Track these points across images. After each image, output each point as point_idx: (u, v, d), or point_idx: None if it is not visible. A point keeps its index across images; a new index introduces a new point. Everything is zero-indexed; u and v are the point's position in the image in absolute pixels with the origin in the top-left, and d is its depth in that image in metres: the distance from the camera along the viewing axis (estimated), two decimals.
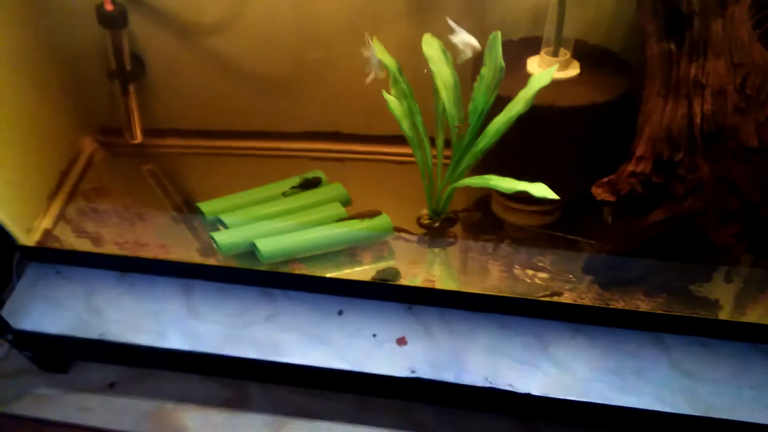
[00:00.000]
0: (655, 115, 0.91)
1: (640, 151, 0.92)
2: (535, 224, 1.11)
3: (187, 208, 1.14)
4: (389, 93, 0.98)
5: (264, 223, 1.05)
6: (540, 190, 0.90)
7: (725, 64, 0.87)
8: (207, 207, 1.10)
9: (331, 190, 1.12)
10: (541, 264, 1.05)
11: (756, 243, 0.96)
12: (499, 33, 0.91)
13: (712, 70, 0.87)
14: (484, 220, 1.13)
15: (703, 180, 0.90)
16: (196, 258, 1.05)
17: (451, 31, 0.92)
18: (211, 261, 1.05)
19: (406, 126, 1.00)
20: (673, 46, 0.89)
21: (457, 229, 1.10)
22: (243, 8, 1.12)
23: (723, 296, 1.01)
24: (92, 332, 0.99)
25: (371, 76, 0.96)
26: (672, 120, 0.90)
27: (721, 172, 0.90)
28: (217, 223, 1.08)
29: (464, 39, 0.92)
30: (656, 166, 0.91)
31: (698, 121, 0.88)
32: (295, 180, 1.13)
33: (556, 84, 0.98)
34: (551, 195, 0.89)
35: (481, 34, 0.93)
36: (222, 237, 1.03)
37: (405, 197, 1.14)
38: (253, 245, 1.02)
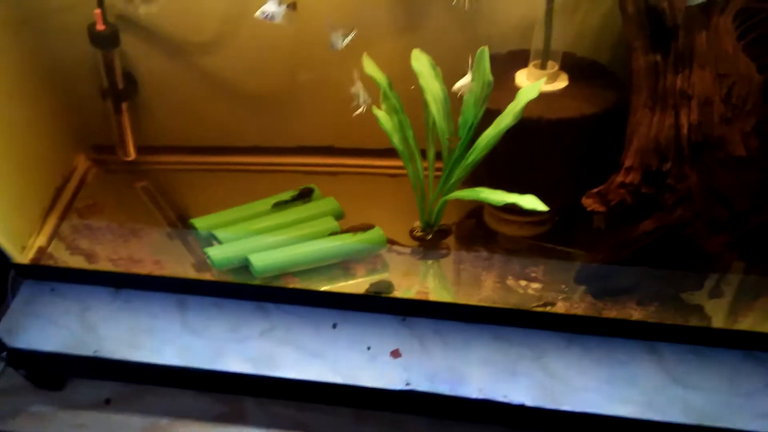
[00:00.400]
0: (643, 126, 0.92)
1: (628, 162, 0.93)
2: (528, 235, 1.12)
3: (180, 223, 1.15)
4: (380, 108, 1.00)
5: (257, 238, 1.06)
6: (530, 202, 0.90)
7: (711, 74, 0.88)
8: (200, 223, 1.10)
9: (324, 204, 1.13)
10: (533, 274, 1.06)
11: (746, 251, 0.97)
12: (487, 48, 0.92)
13: (698, 81, 0.88)
14: (477, 231, 1.14)
15: (691, 190, 0.91)
16: (190, 273, 1.06)
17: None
18: (206, 276, 1.05)
19: (396, 140, 1.01)
20: (658, 58, 0.90)
21: (450, 240, 1.11)
22: (235, 26, 1.13)
23: (714, 304, 1.02)
24: (87, 349, 0.99)
25: (360, 111, 0.97)
26: (659, 131, 0.91)
27: (710, 181, 0.90)
28: (211, 239, 1.09)
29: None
30: (645, 177, 0.92)
31: (685, 131, 0.89)
32: (288, 194, 1.14)
33: (544, 96, 0.99)
34: (541, 207, 0.90)
35: (469, 49, 0.94)
36: (215, 252, 1.04)
37: (398, 210, 1.15)
38: (247, 260, 1.03)
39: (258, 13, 0.89)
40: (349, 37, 0.92)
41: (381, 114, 0.98)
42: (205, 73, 1.19)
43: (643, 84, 0.91)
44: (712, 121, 0.88)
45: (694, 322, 0.99)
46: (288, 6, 0.91)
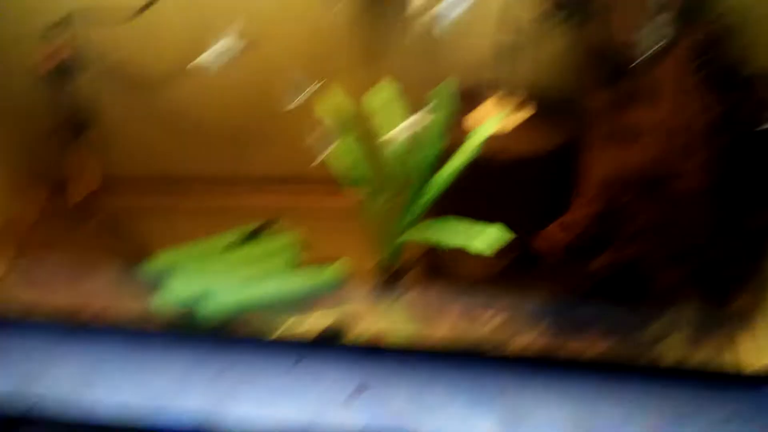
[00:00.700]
0: (599, 160, 0.93)
1: (587, 195, 0.94)
2: (489, 270, 1.12)
3: (135, 262, 1.12)
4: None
5: (214, 275, 1.04)
6: (486, 240, 0.90)
7: (665, 109, 0.90)
8: (156, 261, 1.08)
9: (286, 239, 1.11)
10: (495, 310, 1.05)
11: (704, 283, 0.98)
12: (448, 83, 0.92)
13: (653, 115, 0.90)
14: (439, 266, 1.13)
15: (647, 225, 0.92)
16: (142, 314, 1.03)
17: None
18: (159, 316, 1.02)
19: (355, 176, 1.00)
20: (614, 93, 0.91)
21: (411, 276, 1.10)
22: (194, 58, 1.12)
23: (674, 336, 1.02)
24: (27, 400, 0.95)
25: (320, 158, 0.97)
26: (617, 165, 0.92)
27: (666, 216, 0.91)
28: (165, 278, 1.06)
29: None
30: (604, 211, 0.93)
31: (641, 166, 0.90)
32: (246, 230, 1.12)
33: (505, 131, 1.00)
34: (497, 243, 0.90)
35: (430, 83, 0.94)
36: (171, 291, 1.01)
37: (359, 247, 1.14)
38: (203, 298, 1.00)
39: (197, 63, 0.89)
40: (308, 92, 0.92)
41: (338, 149, 0.97)
42: (164, 107, 1.17)
43: (602, 118, 0.93)
44: (666, 156, 0.90)
45: (653, 355, 0.99)
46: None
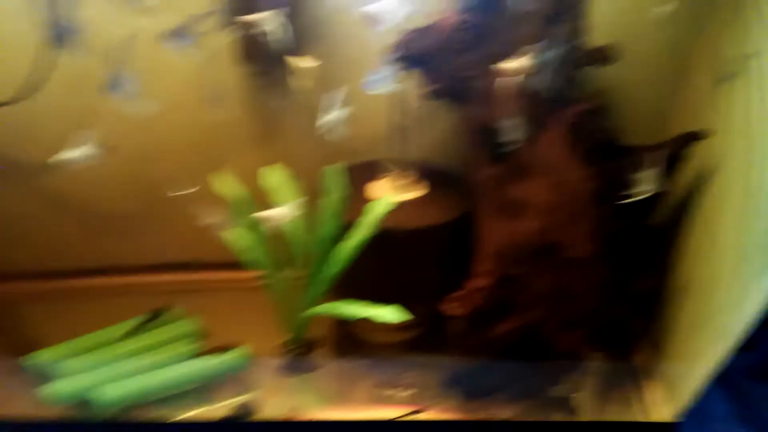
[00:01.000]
0: (492, 233, 0.95)
1: (482, 267, 0.96)
2: (398, 341, 1.11)
3: (22, 356, 1.05)
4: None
5: (106, 368, 0.99)
6: (388, 314, 0.90)
7: (549, 182, 0.93)
8: (44, 354, 1.02)
9: (182, 326, 1.07)
10: (404, 381, 1.05)
11: (606, 341, 1.01)
12: (341, 163, 0.94)
13: (538, 189, 0.93)
14: (348, 340, 1.12)
15: (543, 291, 0.95)
16: (29, 411, 0.96)
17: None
18: (48, 413, 0.96)
19: (253, 257, 0.98)
20: (500, 169, 0.94)
21: (320, 352, 1.08)
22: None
23: (583, 393, 1.04)
24: None
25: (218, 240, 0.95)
26: (506, 237, 0.94)
27: (558, 283, 0.94)
28: (55, 372, 1.00)
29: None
30: (499, 281, 0.95)
31: (530, 237, 0.93)
32: (140, 318, 1.08)
33: (402, 206, 1.01)
34: (400, 318, 0.90)
35: (323, 161, 0.95)
36: (59, 386, 0.96)
37: (265, 324, 1.11)
38: (95, 392, 0.95)
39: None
40: (187, 191, 0.91)
41: (233, 233, 0.96)
42: (48, 194, 1.13)
43: (490, 193, 0.95)
44: (553, 226, 0.93)
45: (559, 416, 1.00)
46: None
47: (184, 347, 1.03)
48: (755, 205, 0.83)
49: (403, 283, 1.05)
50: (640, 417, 1.00)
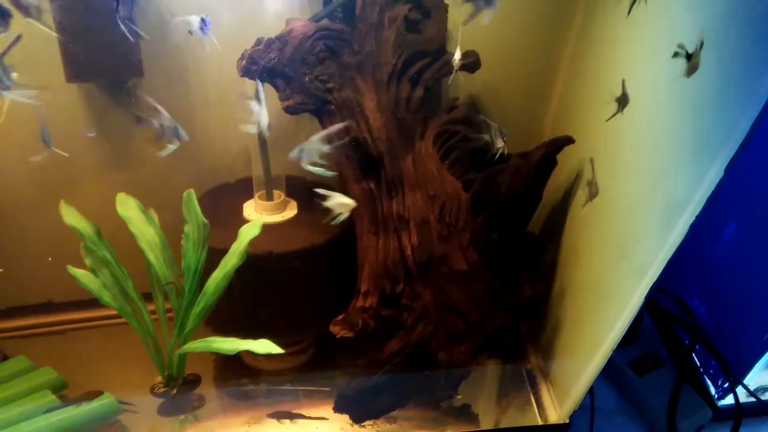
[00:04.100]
0: (371, 251, 0.91)
1: (364, 286, 0.91)
2: (288, 367, 1.06)
3: None
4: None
5: None
6: (263, 347, 0.84)
7: (422, 197, 0.90)
8: None
9: (37, 375, 0.96)
10: (294, 411, 1.00)
11: (496, 350, 0.99)
12: (192, 191, 0.86)
13: (412, 203, 0.90)
14: (234, 371, 1.05)
15: (427, 306, 0.91)
16: None
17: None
18: None
19: (108, 298, 0.89)
20: (372, 185, 0.90)
21: (202, 388, 1.01)
22: None
23: (475, 406, 1.03)
24: None
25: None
26: (386, 254, 0.90)
27: (442, 296, 0.91)
28: None
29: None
30: (382, 299, 0.91)
31: (409, 252, 0.90)
32: None
33: (274, 228, 0.95)
34: (276, 350, 0.84)
35: (191, 183, 0.88)
36: None
37: (136, 364, 1.02)
38: None
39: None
40: None
41: (80, 273, 0.86)
42: None
43: (363, 211, 0.91)
44: (431, 240, 0.89)
45: (452, 429, 0.98)
46: None
47: (41, 400, 0.92)
48: (628, 205, 0.83)
49: (285, 309, 0.99)
50: (539, 420, 1.00)
